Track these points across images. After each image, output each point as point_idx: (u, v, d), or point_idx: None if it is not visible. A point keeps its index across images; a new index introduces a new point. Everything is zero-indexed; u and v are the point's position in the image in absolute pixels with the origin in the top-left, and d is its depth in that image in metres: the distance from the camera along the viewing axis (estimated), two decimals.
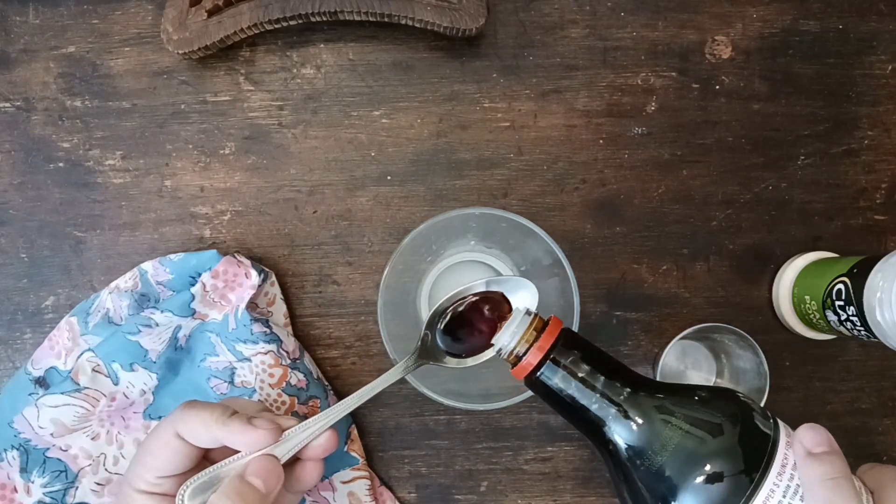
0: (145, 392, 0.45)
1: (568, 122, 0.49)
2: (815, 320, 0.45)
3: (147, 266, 0.46)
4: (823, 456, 0.29)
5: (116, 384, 0.44)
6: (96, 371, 0.44)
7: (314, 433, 0.37)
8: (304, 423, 0.37)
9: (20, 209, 0.49)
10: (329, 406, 0.46)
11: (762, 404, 0.43)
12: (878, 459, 0.48)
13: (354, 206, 0.49)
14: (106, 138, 0.49)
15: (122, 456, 0.45)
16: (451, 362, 0.39)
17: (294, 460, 0.37)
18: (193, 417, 0.35)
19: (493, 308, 0.38)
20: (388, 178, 0.49)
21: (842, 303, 0.41)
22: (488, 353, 0.38)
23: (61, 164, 0.49)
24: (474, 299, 0.38)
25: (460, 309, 0.39)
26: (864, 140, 0.49)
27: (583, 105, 0.49)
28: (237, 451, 0.36)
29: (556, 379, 0.32)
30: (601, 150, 0.49)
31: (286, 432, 0.36)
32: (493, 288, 0.39)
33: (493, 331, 0.37)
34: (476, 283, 0.38)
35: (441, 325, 0.39)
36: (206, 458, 0.38)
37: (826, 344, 0.48)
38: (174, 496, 0.34)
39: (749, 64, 0.49)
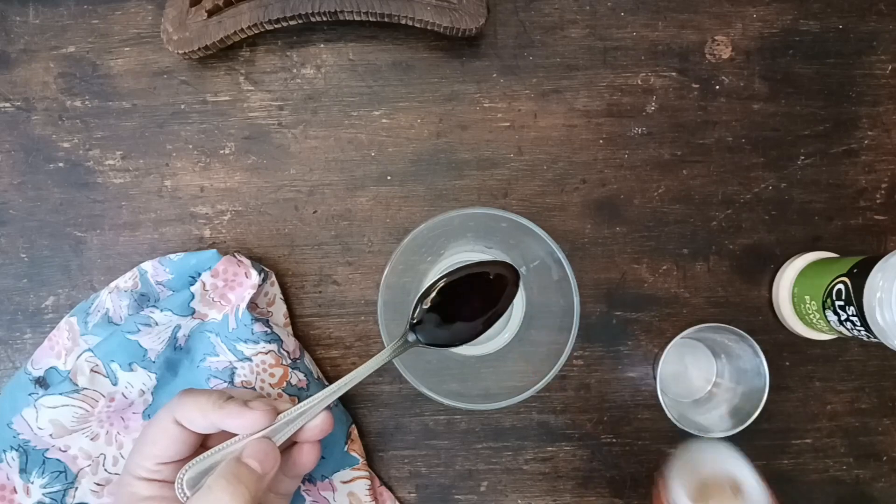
0: (144, 392, 0.45)
1: (568, 122, 0.49)
2: (815, 320, 0.45)
3: (147, 266, 0.46)
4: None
5: (115, 384, 0.44)
6: (95, 372, 0.44)
7: (310, 415, 0.37)
8: (299, 405, 0.37)
9: (20, 209, 0.49)
10: (328, 406, 0.46)
11: (762, 404, 0.43)
12: (878, 459, 0.49)
13: (354, 206, 0.49)
14: (106, 138, 0.49)
15: (122, 456, 0.45)
16: (440, 338, 0.40)
17: (291, 445, 0.38)
18: (191, 403, 0.36)
19: (487, 283, 0.39)
20: (388, 178, 0.49)
21: (842, 303, 0.41)
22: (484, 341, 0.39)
23: (61, 164, 0.49)
24: (467, 274, 0.39)
25: (451, 282, 0.39)
26: (864, 140, 0.49)
27: (583, 105, 0.49)
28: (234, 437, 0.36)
29: None
30: (601, 150, 0.49)
31: (281, 415, 0.36)
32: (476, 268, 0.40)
33: (488, 306, 0.38)
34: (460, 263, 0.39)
35: (428, 304, 0.39)
36: (203, 445, 0.38)
37: (826, 344, 0.48)
38: (173, 482, 0.35)
39: (749, 64, 0.49)
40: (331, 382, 0.48)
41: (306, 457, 0.38)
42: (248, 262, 0.45)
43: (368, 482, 0.46)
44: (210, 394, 0.36)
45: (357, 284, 0.49)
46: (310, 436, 0.38)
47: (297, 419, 0.37)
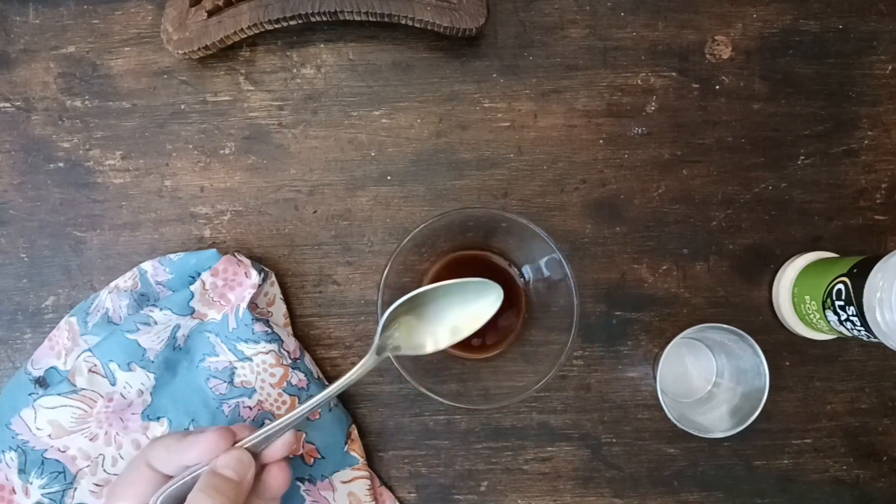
0: (143, 393, 0.45)
1: (568, 122, 0.49)
2: (815, 320, 0.45)
3: (147, 266, 0.46)
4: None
5: (113, 385, 0.44)
6: (93, 372, 0.44)
7: (272, 438, 0.38)
8: (258, 431, 0.37)
9: (20, 209, 0.49)
10: (329, 406, 0.46)
11: (762, 404, 0.43)
12: (878, 459, 0.49)
13: (354, 206, 0.49)
14: (106, 138, 0.49)
15: (121, 457, 0.45)
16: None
17: (260, 468, 0.38)
18: (159, 444, 0.38)
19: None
20: (388, 178, 0.49)
21: (842, 303, 0.41)
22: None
23: (61, 164, 0.49)
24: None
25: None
26: (864, 140, 0.49)
27: (583, 105, 0.49)
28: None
29: None
30: (601, 150, 0.49)
31: (241, 441, 0.37)
32: (457, 291, 0.39)
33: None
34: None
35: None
36: None
37: (826, 344, 0.48)
38: None
39: (749, 64, 0.49)
40: (331, 383, 0.48)
41: (275, 478, 0.38)
42: (248, 261, 0.45)
43: (368, 482, 0.46)
44: (173, 433, 0.39)
45: (357, 284, 0.49)
46: (274, 454, 0.38)
47: (260, 442, 0.37)
